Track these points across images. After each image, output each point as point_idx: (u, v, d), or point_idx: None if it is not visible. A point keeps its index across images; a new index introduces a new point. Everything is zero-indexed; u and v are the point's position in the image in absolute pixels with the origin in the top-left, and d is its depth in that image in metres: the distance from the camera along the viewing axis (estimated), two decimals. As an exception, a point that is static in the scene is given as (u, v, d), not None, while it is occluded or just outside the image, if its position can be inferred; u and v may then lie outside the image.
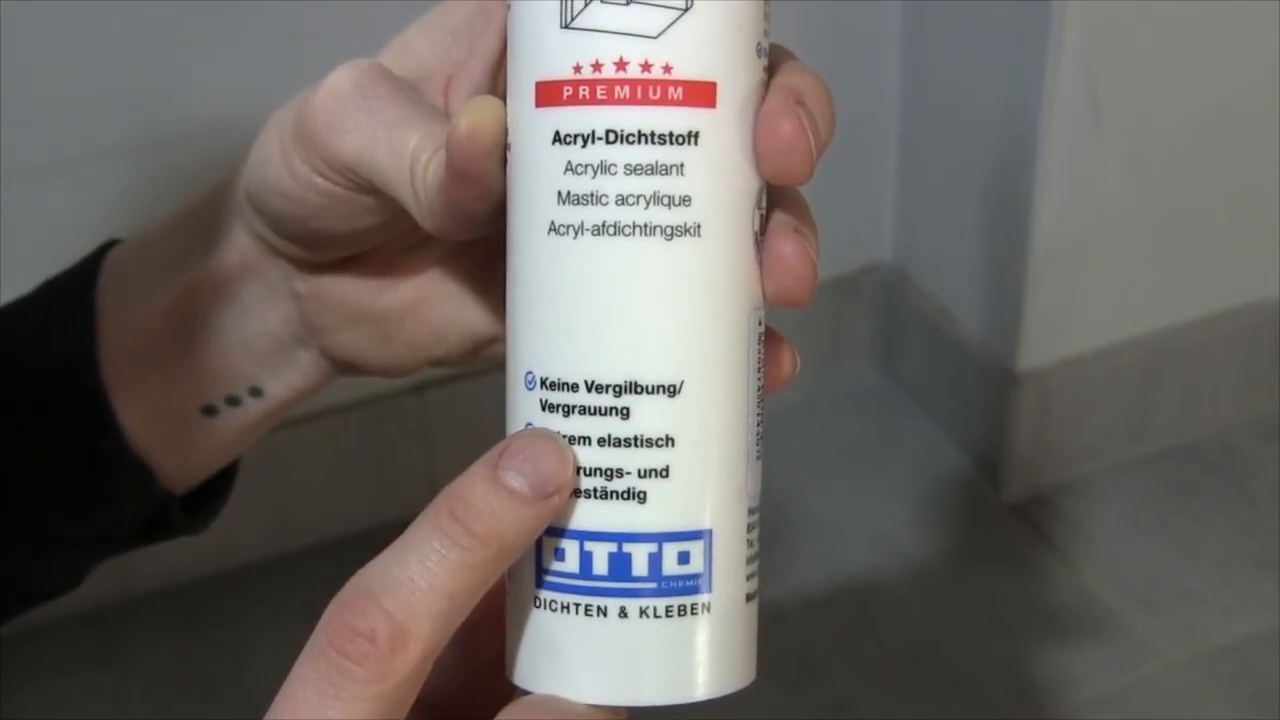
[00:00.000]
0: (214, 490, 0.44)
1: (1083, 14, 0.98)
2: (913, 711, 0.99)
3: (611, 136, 0.30)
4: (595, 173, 0.30)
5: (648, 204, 0.30)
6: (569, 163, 0.30)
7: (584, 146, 0.30)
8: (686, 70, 0.30)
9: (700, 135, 0.30)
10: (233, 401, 0.41)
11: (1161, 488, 1.17)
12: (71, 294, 0.40)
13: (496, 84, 0.36)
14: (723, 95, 0.30)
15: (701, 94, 0.30)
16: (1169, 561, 1.10)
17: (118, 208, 0.95)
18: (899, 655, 1.03)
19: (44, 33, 0.88)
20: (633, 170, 0.30)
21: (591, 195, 0.30)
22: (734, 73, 0.30)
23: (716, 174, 0.30)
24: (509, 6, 0.32)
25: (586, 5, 0.30)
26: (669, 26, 0.30)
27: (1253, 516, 1.14)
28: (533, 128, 0.31)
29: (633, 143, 0.30)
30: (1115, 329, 1.14)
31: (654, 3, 0.30)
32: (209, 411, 0.41)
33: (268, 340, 0.40)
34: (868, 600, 1.07)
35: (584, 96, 0.30)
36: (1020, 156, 1.04)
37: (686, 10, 0.30)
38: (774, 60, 0.32)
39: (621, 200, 0.30)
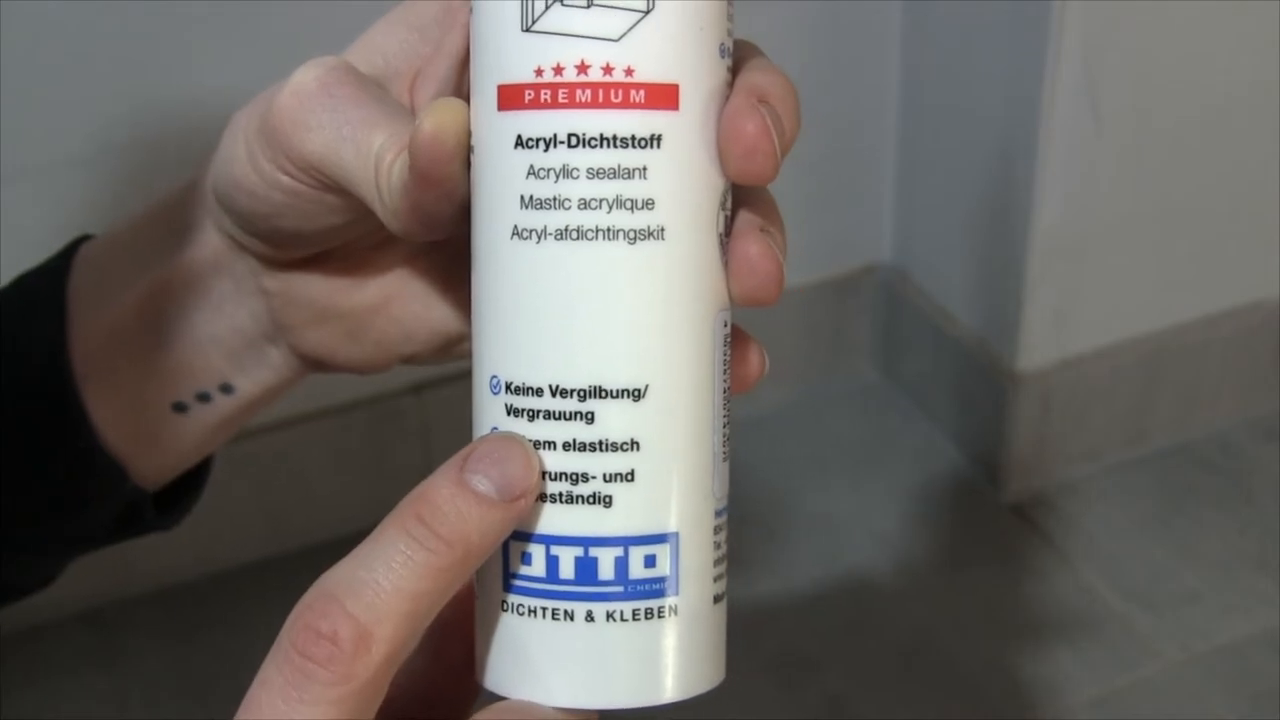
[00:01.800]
0: (187, 486, 0.44)
1: (1083, 14, 0.98)
2: (911, 711, 0.99)
3: (573, 140, 0.30)
4: (558, 177, 0.30)
5: (610, 208, 0.30)
6: (531, 167, 0.30)
7: (546, 150, 0.30)
8: (648, 73, 0.30)
9: (663, 138, 0.30)
10: (204, 398, 0.41)
11: (1161, 488, 1.17)
12: (42, 291, 0.40)
13: (463, 81, 0.35)
14: (685, 97, 0.30)
15: (664, 96, 0.30)
16: (1169, 561, 1.10)
17: (117, 208, 0.95)
18: (897, 654, 1.03)
19: (44, 33, 0.88)
20: (595, 174, 0.30)
21: (554, 199, 0.30)
22: (697, 74, 0.30)
23: (680, 176, 0.30)
24: (471, 7, 0.31)
25: (547, 8, 0.29)
26: (630, 29, 0.29)
27: (1253, 516, 1.14)
28: (495, 131, 0.30)
29: (595, 147, 0.29)
30: (1115, 329, 1.14)
31: (615, 5, 0.29)
32: (180, 408, 0.41)
33: (238, 337, 0.40)
34: (867, 599, 1.07)
35: (545, 100, 0.30)
36: (1020, 156, 1.04)
37: (648, 12, 0.29)
38: (739, 58, 0.32)
39: (584, 204, 0.30)
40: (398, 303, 0.39)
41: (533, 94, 0.30)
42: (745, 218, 0.32)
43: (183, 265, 0.39)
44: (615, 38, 0.29)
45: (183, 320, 0.40)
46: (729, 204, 0.32)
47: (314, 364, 0.41)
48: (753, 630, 1.01)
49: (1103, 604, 1.06)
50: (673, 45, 0.30)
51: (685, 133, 0.30)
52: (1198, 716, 0.98)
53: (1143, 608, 1.06)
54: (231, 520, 1.08)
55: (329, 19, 0.92)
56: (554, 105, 0.29)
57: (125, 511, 0.42)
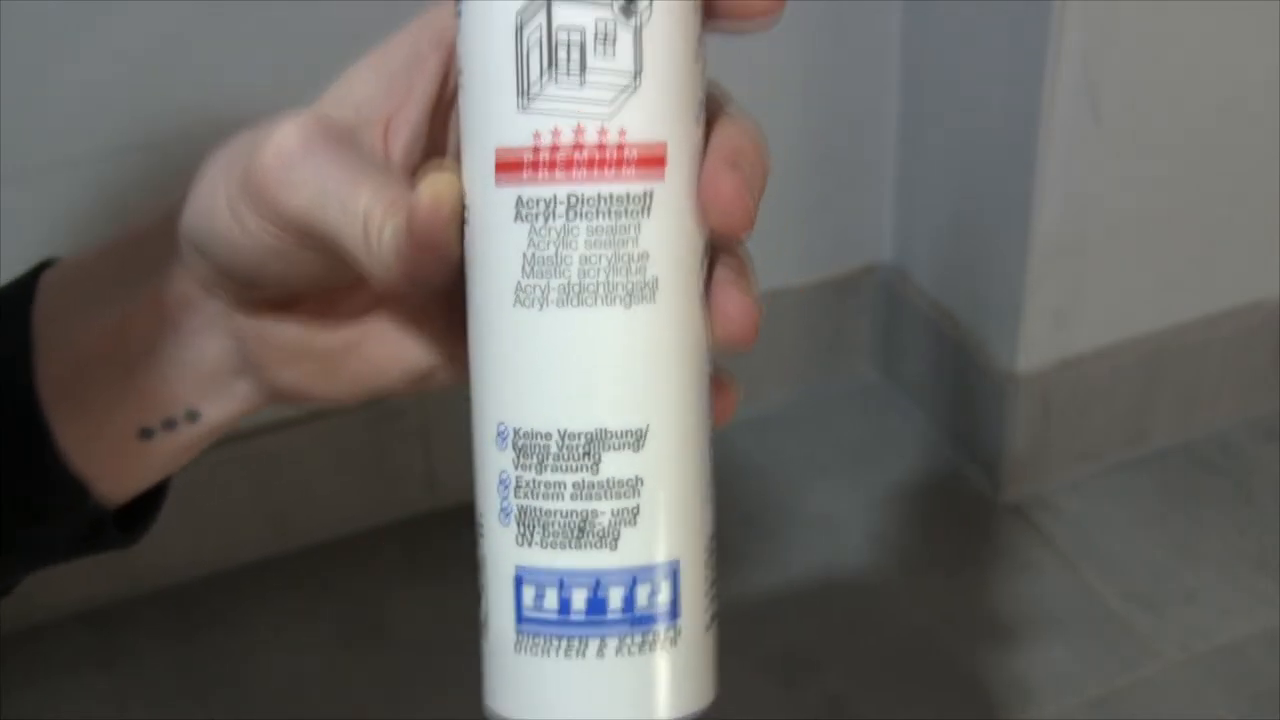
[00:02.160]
0: (146, 503, 0.44)
1: (1083, 14, 0.98)
2: (910, 711, 0.99)
3: (572, 207, 0.31)
4: (558, 243, 0.31)
5: (608, 271, 0.31)
6: (531, 233, 0.31)
7: (546, 218, 0.31)
8: (639, 139, 0.31)
9: (654, 200, 0.32)
10: (169, 424, 0.41)
11: (1161, 488, 1.17)
12: (8, 313, 0.41)
13: (434, 125, 0.36)
14: (672, 160, 0.32)
15: (653, 161, 0.32)
16: (1169, 561, 1.10)
17: (117, 208, 0.95)
18: (897, 654, 1.03)
19: (44, 32, 0.88)
20: (593, 239, 0.31)
21: (554, 264, 0.31)
22: (681, 136, 0.32)
23: (670, 235, 0.32)
24: (460, 71, 0.33)
25: (542, 88, 0.31)
26: (621, 98, 0.31)
27: (1253, 516, 1.14)
28: (493, 199, 0.32)
29: (592, 212, 0.31)
30: (1115, 329, 1.14)
31: (605, 78, 0.31)
32: (146, 434, 0.41)
33: (206, 368, 0.40)
34: (866, 599, 1.07)
35: (544, 169, 0.31)
36: (1020, 156, 1.04)
37: (636, 82, 0.31)
38: (711, 104, 0.33)
39: (583, 270, 0.31)
40: (371, 341, 0.40)
41: (531, 163, 0.31)
42: (722, 272, 0.34)
43: (151, 300, 0.40)
44: (607, 107, 0.31)
45: (151, 351, 0.40)
46: (707, 254, 0.33)
47: (283, 397, 0.41)
48: (753, 630, 1.02)
49: (1103, 604, 1.06)
50: (659, 111, 0.32)
51: (673, 192, 0.32)
52: (1198, 716, 0.98)
53: (1143, 608, 1.06)
54: (231, 520, 1.08)
55: (329, 19, 0.92)
56: (551, 173, 0.31)
57: (86, 528, 0.42)
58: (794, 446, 1.20)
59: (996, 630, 1.05)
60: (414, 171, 0.35)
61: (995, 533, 1.13)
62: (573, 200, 0.31)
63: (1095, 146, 1.04)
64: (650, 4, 0.31)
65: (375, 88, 0.36)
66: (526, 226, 0.31)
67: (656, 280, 0.32)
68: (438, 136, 0.36)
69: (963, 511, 1.15)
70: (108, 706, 0.99)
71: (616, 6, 0.31)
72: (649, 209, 0.31)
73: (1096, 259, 1.09)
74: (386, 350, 0.40)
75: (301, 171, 0.34)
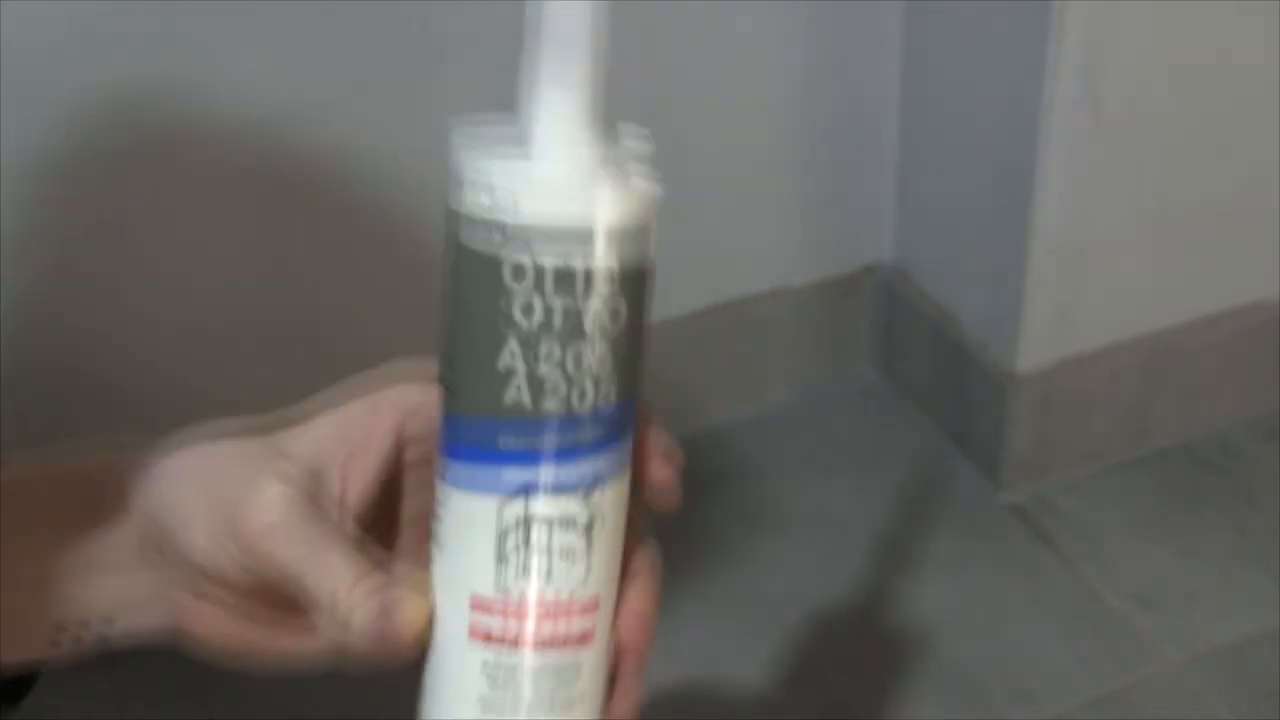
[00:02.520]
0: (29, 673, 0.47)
1: (1083, 14, 0.98)
2: (912, 712, 0.99)
3: (530, 670, 0.39)
4: (513, 695, 0.39)
5: (550, 709, 0.39)
6: (492, 685, 0.39)
7: (507, 674, 0.39)
8: (580, 612, 0.39)
9: (584, 663, 0.40)
10: (79, 635, 0.44)
11: (1161, 488, 1.17)
12: None
13: (388, 478, 0.42)
14: (600, 614, 0.40)
15: (588, 630, 0.39)
16: (1169, 561, 1.10)
17: (117, 208, 0.95)
18: (898, 655, 1.03)
19: (45, 32, 0.88)
20: (537, 694, 0.39)
21: (509, 703, 0.39)
22: (608, 596, 0.40)
23: (594, 679, 0.40)
24: (439, 522, 0.39)
25: (515, 582, 0.38)
26: (574, 585, 0.39)
27: (1253, 516, 1.14)
28: (463, 653, 0.39)
29: (540, 674, 0.39)
30: (1115, 329, 1.14)
31: (563, 571, 0.38)
32: (56, 639, 0.44)
33: (129, 604, 0.44)
34: (867, 600, 1.07)
35: (509, 639, 0.39)
36: (1020, 156, 1.04)
37: (589, 565, 0.39)
38: (629, 536, 0.41)
39: (530, 710, 0.39)
40: (292, 630, 0.43)
41: (499, 633, 0.39)
42: (623, 676, 0.41)
43: (91, 545, 0.43)
44: (560, 592, 0.39)
45: (80, 582, 0.43)
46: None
47: (200, 647, 0.44)
48: (753, 630, 1.01)
49: (1103, 604, 1.06)
50: (600, 584, 0.40)
51: (598, 650, 0.40)
52: (1198, 716, 0.98)
53: (1143, 608, 1.06)
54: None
55: (328, 18, 0.92)
56: (516, 643, 0.39)
57: None
58: (794, 446, 1.20)
59: (996, 630, 1.05)
60: (365, 519, 0.41)
61: (995, 533, 1.13)
62: (530, 664, 0.39)
63: (1095, 146, 1.04)
64: (604, 521, 0.39)
65: (333, 437, 0.41)
66: (488, 679, 0.39)
67: (585, 711, 0.40)
68: (391, 489, 0.42)
69: (963, 511, 1.15)
70: (108, 706, 0.99)
71: (580, 524, 0.38)
72: (580, 670, 0.40)
73: (1096, 259, 1.09)
74: (307, 641, 0.43)
75: (281, 540, 0.39)
